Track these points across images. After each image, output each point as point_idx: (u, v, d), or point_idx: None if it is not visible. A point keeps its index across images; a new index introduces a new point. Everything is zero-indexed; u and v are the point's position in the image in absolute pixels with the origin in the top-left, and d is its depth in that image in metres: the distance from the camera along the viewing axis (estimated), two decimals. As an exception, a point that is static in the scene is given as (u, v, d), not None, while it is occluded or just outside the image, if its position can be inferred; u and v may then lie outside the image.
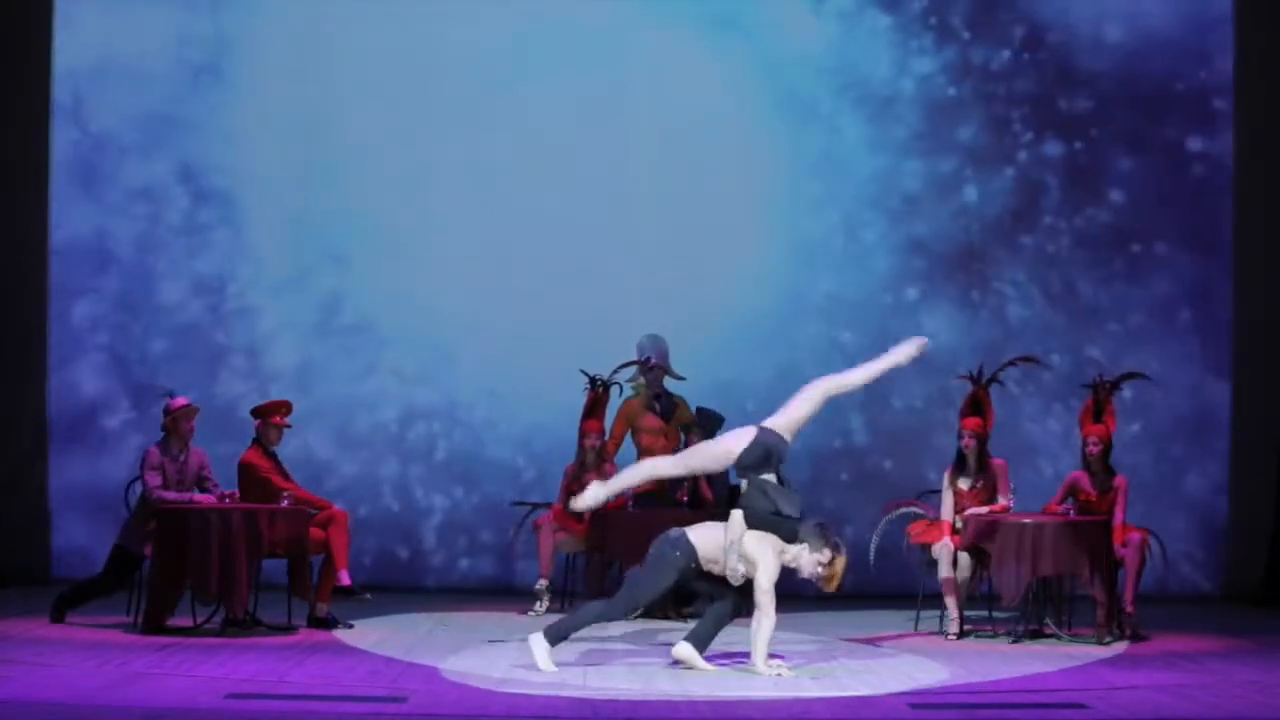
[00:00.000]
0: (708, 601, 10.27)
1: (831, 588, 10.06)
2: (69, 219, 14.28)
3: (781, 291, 14.37)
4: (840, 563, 9.96)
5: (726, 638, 10.90)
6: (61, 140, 14.26)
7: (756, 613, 9.87)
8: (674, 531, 10.01)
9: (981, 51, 14.27)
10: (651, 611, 11.38)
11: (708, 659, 10.12)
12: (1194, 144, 14.38)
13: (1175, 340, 14.46)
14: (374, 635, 11.40)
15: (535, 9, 14.32)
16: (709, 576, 10.04)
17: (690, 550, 9.93)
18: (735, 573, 9.90)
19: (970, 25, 14.28)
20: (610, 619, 10.14)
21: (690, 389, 13.23)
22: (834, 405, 13.72)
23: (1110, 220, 14.42)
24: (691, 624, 10.75)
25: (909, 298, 14.37)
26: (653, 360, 13.07)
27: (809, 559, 9.93)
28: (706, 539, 9.96)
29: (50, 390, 14.53)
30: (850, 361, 13.90)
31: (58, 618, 11.62)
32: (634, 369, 13.11)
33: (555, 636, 9.99)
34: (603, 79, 14.34)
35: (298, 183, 14.25)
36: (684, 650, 10.05)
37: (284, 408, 12.08)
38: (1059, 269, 14.39)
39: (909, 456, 14.23)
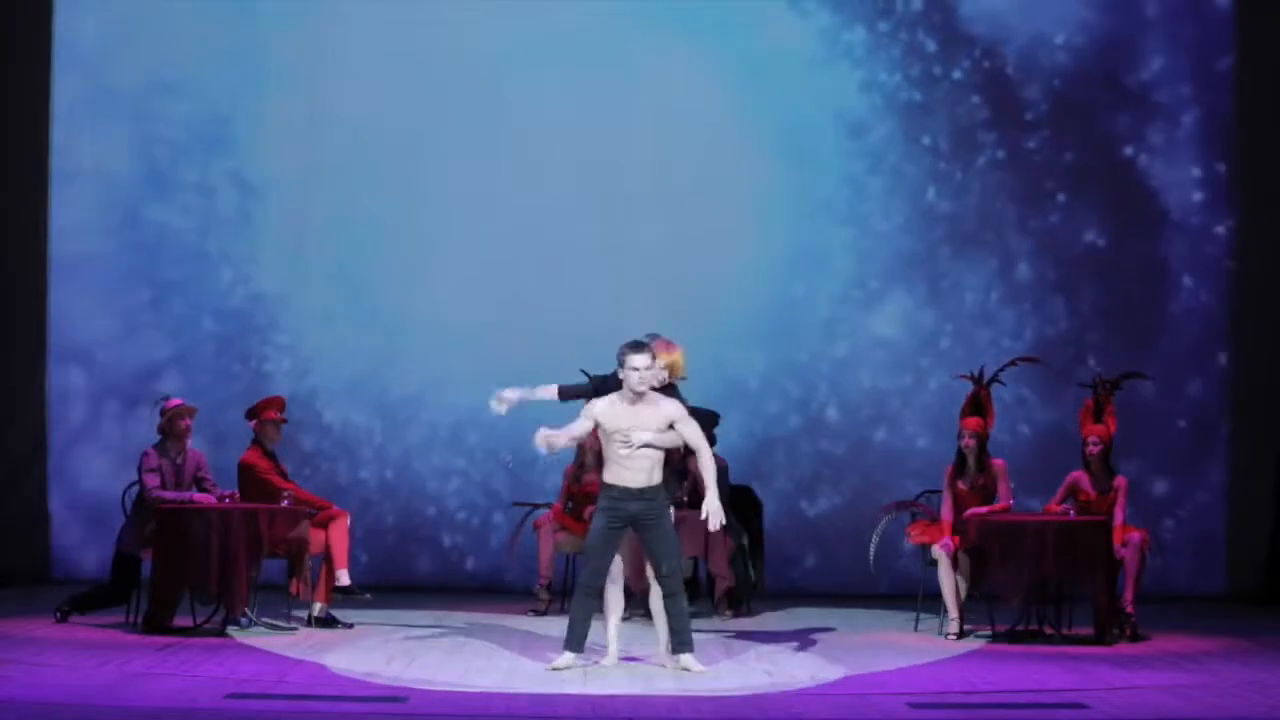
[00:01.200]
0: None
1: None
2: (135, 210, 14.72)
3: (776, 288, 14.70)
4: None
5: (723, 636, 10.94)
6: (131, 143, 14.70)
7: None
8: None
9: (945, 62, 14.72)
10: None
11: (705, 660, 10.13)
12: (1139, 139, 14.73)
13: (1146, 330, 14.76)
14: (374, 635, 11.41)
15: (537, 16, 14.69)
16: (631, 521, 9.97)
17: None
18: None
19: (936, 38, 14.72)
20: (591, 589, 10.03)
21: (691, 388, 13.23)
22: (806, 385, 14.60)
23: (1065, 215, 14.74)
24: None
25: (886, 289, 14.72)
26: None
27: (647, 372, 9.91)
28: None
29: (51, 390, 14.59)
30: (842, 351, 14.29)
31: (62, 619, 11.60)
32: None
33: (576, 643, 9.99)
34: (601, 85, 14.69)
35: (323, 182, 14.68)
36: (683, 661, 10.01)
37: (276, 404, 12.06)
38: (1019, 260, 14.73)
39: (890, 432, 14.67)
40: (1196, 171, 14.67)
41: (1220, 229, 14.67)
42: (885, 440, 14.62)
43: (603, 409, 9.98)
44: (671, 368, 10.32)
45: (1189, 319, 14.70)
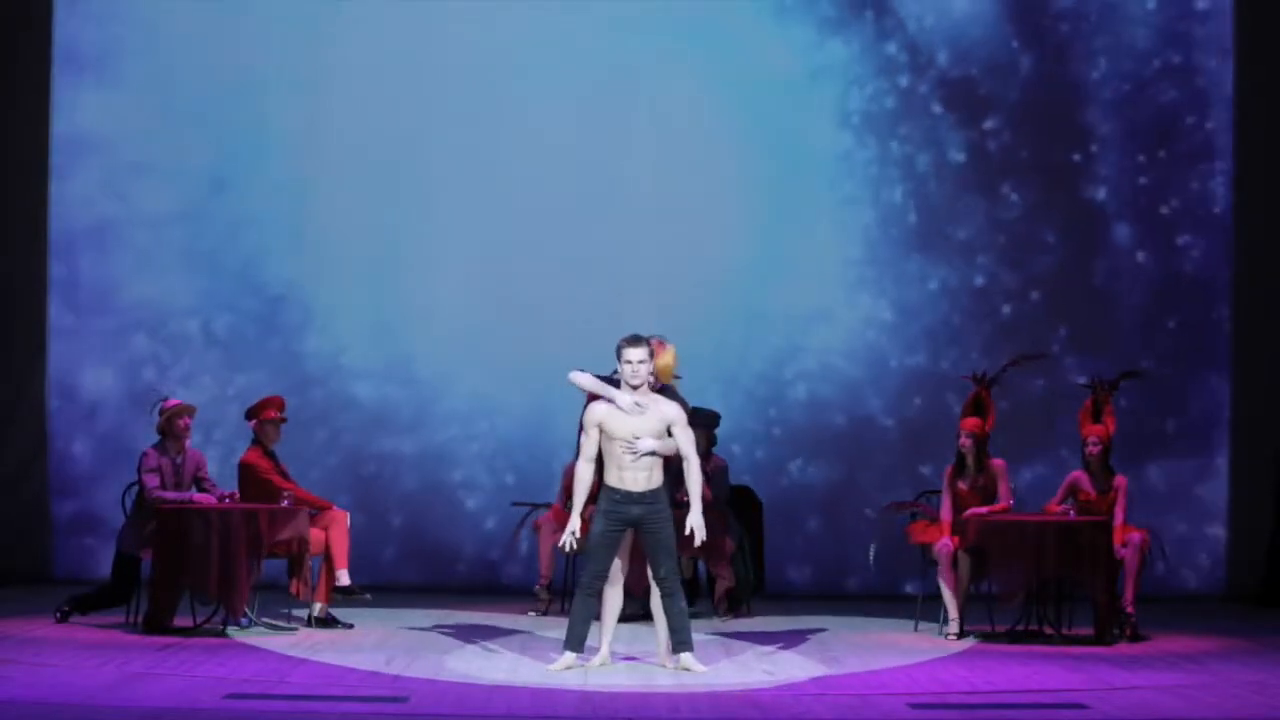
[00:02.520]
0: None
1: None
2: (198, 215, 14.94)
3: (764, 286, 14.98)
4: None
5: (723, 636, 10.91)
6: (200, 147, 14.90)
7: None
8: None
9: (915, 72, 15.13)
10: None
11: (705, 660, 10.14)
12: (1099, 134, 15.06)
13: (1128, 323, 14.99)
14: (374, 635, 11.41)
15: (535, 17, 14.97)
16: (634, 523, 9.99)
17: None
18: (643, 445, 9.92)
19: (906, 50, 15.14)
20: (591, 590, 10.05)
21: (690, 383, 13.28)
22: (791, 372, 14.98)
23: (1024, 212, 15.06)
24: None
25: (863, 285, 15.03)
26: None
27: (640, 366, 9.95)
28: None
29: (50, 388, 14.60)
30: (825, 342, 14.94)
31: (62, 619, 11.59)
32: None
33: (576, 644, 9.98)
34: (600, 91, 14.95)
35: (338, 182, 14.94)
36: (683, 660, 10.02)
37: (276, 404, 12.03)
38: (990, 256, 15.07)
39: (866, 411, 15.02)
40: (1142, 159, 14.99)
41: (1166, 210, 14.94)
42: (861, 418, 14.93)
43: (604, 413, 9.97)
44: (660, 371, 10.32)
45: (1165, 316, 14.97)
